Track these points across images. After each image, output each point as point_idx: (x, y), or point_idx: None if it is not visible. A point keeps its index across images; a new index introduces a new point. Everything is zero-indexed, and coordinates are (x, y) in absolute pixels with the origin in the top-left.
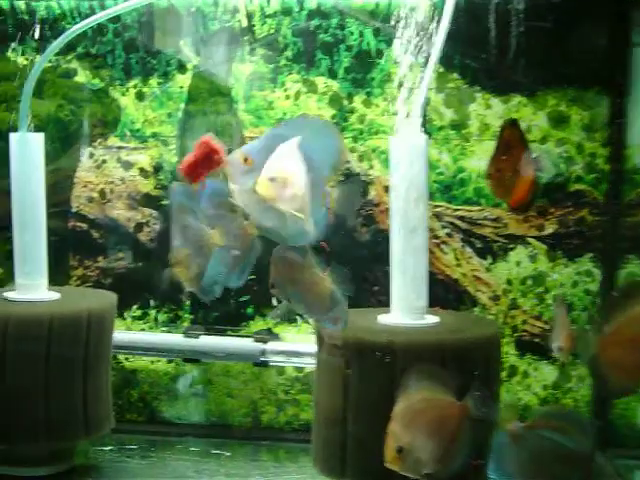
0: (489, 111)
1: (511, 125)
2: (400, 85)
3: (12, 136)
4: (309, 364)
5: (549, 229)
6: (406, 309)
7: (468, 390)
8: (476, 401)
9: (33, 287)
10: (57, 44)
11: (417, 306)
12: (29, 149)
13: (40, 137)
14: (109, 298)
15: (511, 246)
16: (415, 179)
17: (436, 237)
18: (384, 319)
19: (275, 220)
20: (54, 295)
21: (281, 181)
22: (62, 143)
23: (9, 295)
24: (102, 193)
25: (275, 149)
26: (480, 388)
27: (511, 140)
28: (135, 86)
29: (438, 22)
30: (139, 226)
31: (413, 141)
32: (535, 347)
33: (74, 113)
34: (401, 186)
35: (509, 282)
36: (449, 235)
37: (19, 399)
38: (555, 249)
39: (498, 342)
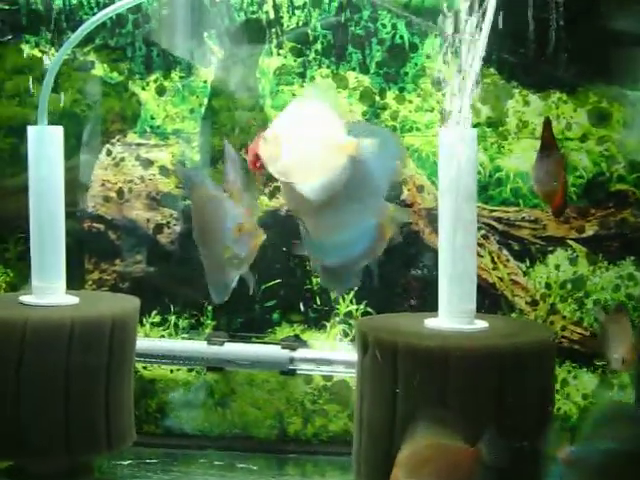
0: (527, 108)
1: (549, 124)
2: (439, 81)
3: (30, 129)
4: (340, 372)
5: (590, 231)
6: (455, 313)
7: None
8: (489, 447)
9: (51, 290)
10: (77, 36)
11: (466, 310)
12: (48, 143)
13: (59, 131)
14: (132, 302)
15: (550, 249)
16: (465, 176)
17: None
18: (432, 323)
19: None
20: (73, 299)
21: (272, 140)
22: (77, 139)
23: (25, 299)
24: (120, 192)
25: None
26: (494, 433)
27: (550, 141)
28: (156, 80)
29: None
30: (159, 227)
31: (463, 135)
32: (575, 354)
33: (90, 108)
34: (450, 184)
35: (548, 286)
36: (485, 237)
37: (37, 410)
38: (596, 252)
39: (554, 347)
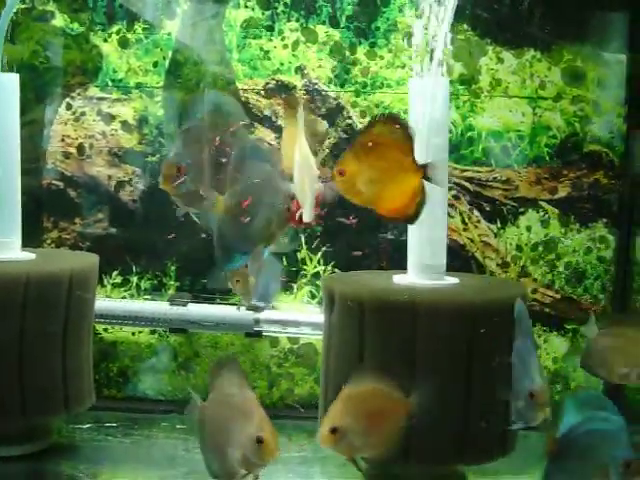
0: (501, 65)
1: None
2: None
3: None
4: (307, 334)
5: (562, 192)
6: (425, 269)
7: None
8: (421, 400)
9: (5, 245)
10: None
11: (436, 265)
12: (2, 92)
13: (15, 78)
14: (91, 258)
15: (521, 210)
16: (436, 126)
17: None
18: (400, 279)
19: None
20: (29, 255)
21: None
22: (35, 93)
23: None
24: (80, 148)
25: None
26: (427, 388)
27: None
28: (118, 32)
29: None
30: (121, 185)
31: (435, 83)
32: (545, 318)
33: (50, 60)
34: (421, 134)
35: (519, 248)
36: (456, 197)
37: None
38: (568, 214)
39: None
